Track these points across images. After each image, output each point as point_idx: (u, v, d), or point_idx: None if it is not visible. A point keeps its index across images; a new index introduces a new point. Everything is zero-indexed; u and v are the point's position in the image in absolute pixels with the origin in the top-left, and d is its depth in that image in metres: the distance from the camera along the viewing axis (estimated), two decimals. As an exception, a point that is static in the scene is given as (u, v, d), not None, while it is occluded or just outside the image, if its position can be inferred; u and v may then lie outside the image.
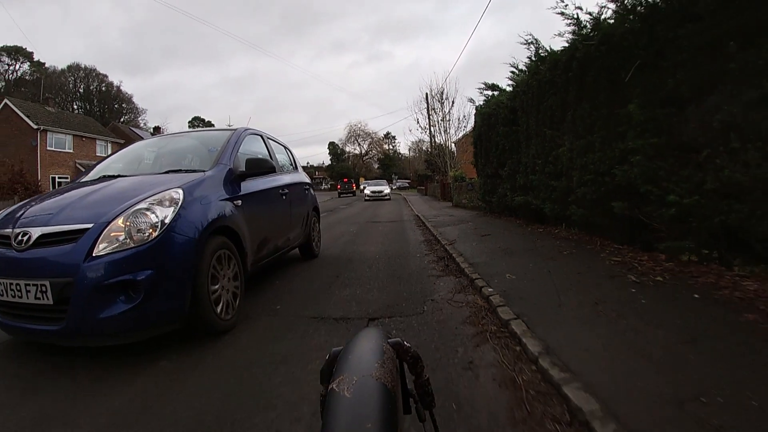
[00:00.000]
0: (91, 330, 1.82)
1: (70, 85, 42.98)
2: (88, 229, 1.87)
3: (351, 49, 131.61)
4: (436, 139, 20.62)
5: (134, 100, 47.27)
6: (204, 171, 2.60)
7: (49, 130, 21.63)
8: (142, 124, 43.80)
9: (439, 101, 18.76)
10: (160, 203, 2.05)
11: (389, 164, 52.91)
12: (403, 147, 57.85)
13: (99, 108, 43.51)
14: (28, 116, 21.31)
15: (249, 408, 1.49)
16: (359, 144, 54.07)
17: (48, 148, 21.62)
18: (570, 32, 4.62)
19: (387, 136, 56.16)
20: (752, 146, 2.67)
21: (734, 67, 2.80)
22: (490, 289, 2.62)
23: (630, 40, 3.57)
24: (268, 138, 3.96)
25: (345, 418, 0.35)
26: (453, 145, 20.38)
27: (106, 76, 45.14)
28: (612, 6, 3.87)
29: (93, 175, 2.91)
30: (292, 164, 4.49)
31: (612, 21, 3.90)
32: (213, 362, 1.90)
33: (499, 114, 7.05)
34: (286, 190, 3.65)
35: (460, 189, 13.33)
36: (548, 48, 5.43)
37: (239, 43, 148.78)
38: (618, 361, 1.59)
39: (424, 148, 35.49)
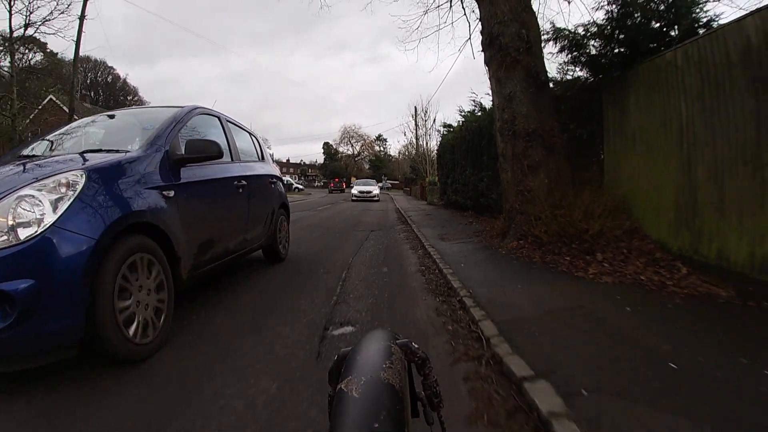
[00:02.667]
0: None
1: (80, 76, 46.89)
2: None
3: (351, 50, 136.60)
4: (420, 149, 25.83)
5: (139, 92, 51.08)
6: (127, 152, 2.26)
7: (87, 124, 26.03)
8: (146, 116, 47.87)
9: (423, 119, 23.94)
10: (54, 189, 1.70)
11: (380, 166, 58.02)
12: (393, 150, 63.21)
13: (105, 98, 47.52)
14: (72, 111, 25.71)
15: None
16: (352, 145, 59.11)
17: (85, 140, 25.98)
18: (478, 111, 9.76)
19: (379, 138, 61.36)
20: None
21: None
22: (414, 225, 7.69)
23: (485, 128, 8.63)
24: (228, 121, 3.69)
25: (353, 418, 0.37)
26: (435, 152, 25.64)
27: (113, 68, 49.14)
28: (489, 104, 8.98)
29: (11, 156, 2.63)
30: (258, 153, 4.33)
31: (481, 115, 9.00)
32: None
33: (447, 145, 12.15)
34: (244, 182, 3.37)
35: (433, 191, 18.42)
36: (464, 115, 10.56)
37: (241, 38, 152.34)
38: (431, 231, 6.64)
39: (412, 153, 40.95)
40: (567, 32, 4.24)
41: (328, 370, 0.53)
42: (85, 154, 2.26)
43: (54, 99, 26.08)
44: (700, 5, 3.71)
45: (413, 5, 13.84)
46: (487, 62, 5.06)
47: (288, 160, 65.49)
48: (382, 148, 62.61)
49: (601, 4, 3.91)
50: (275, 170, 4.60)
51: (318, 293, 3.19)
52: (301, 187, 41.97)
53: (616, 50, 4.03)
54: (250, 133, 4.31)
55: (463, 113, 10.91)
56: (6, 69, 17.53)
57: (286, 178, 42.17)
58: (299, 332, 2.35)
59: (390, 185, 49.45)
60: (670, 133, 3.71)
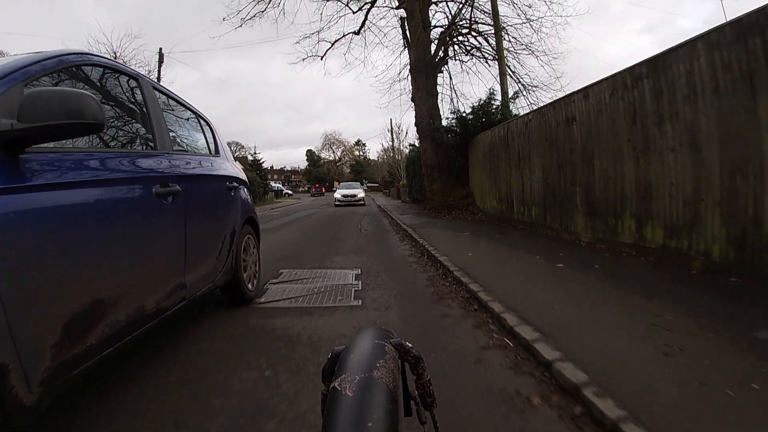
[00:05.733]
0: None
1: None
2: None
3: (333, 54, 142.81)
4: (396, 157, 32.57)
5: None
6: None
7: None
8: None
9: (397, 132, 30.72)
10: None
11: (360, 170, 64.51)
12: (373, 154, 69.72)
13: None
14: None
15: None
16: (333, 151, 65.46)
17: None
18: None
19: (358, 143, 67.92)
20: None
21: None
22: (388, 212, 14.26)
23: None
24: (155, 88, 2.30)
25: (346, 416, 0.38)
26: (407, 159, 32.40)
27: (103, 85, 53.72)
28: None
29: None
30: (211, 146, 3.10)
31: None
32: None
33: (412, 159, 18.78)
34: (177, 186, 2.04)
35: (405, 191, 25.09)
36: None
37: (220, 43, 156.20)
38: (397, 213, 13.21)
39: (391, 158, 47.66)
40: (441, 127, 10.88)
41: (322, 368, 0.53)
42: None
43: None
44: (495, 115, 10.33)
45: (386, 80, 21.36)
46: (416, 133, 11.67)
47: (272, 167, 71.18)
48: (361, 153, 69.17)
49: (451, 118, 10.58)
50: (237, 171, 3.32)
51: (352, 227, 9.69)
52: (290, 192, 48.09)
53: (461, 131, 10.70)
54: (197, 114, 3.01)
55: (414, 144, 17.55)
56: None
57: (272, 183, 47.64)
58: (351, 230, 8.88)
59: (367, 187, 54.61)
60: (479, 167, 10.37)
